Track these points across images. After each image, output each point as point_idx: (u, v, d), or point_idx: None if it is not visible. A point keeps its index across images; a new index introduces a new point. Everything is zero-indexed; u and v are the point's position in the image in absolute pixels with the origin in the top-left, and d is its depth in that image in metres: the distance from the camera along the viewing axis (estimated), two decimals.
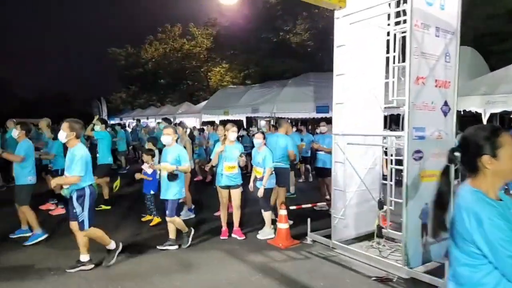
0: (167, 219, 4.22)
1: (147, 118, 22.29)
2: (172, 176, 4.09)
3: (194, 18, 29.61)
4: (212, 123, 11.02)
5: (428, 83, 3.39)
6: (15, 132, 4.68)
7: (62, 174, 6.32)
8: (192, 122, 19.00)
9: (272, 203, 4.99)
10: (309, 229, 4.36)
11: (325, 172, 6.00)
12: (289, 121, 8.95)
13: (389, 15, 4.01)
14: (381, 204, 3.96)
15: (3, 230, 5.07)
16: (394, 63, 3.68)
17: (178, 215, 4.57)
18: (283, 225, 4.29)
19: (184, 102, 21.57)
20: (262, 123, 18.65)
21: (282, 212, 4.36)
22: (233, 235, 4.61)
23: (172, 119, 19.47)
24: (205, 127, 12.41)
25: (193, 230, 4.43)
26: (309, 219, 4.40)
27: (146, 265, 3.82)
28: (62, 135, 3.56)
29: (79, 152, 3.52)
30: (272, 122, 17.01)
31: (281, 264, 3.78)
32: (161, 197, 4.23)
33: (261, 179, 4.63)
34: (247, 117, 17.66)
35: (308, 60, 19.01)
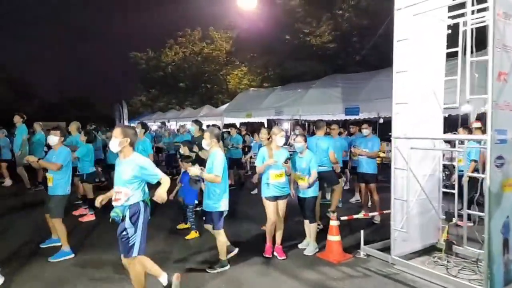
0: (214, 232, 3.83)
1: (168, 121, 22.33)
2: (194, 182, 3.75)
3: (214, 22, 29.58)
4: (233, 125, 10.74)
5: (510, 79, 2.98)
6: (54, 139, 4.34)
7: (88, 179, 6.17)
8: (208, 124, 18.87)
9: (317, 212, 4.64)
10: (362, 242, 3.97)
11: (368, 178, 5.63)
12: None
13: (452, 6, 3.63)
14: (449, 215, 3.56)
15: (31, 237, 4.90)
16: (465, 57, 3.27)
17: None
18: (335, 238, 3.92)
19: (205, 105, 21.48)
20: (285, 125, 18.35)
21: (333, 222, 3.98)
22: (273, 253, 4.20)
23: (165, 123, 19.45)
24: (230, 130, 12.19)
25: (237, 250, 4.03)
26: (362, 231, 4.00)
27: (193, 285, 3.45)
28: (115, 143, 3.05)
29: (140, 162, 3.05)
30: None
31: (339, 283, 3.41)
32: (204, 208, 3.90)
33: (305, 186, 4.28)
34: (268, 120, 17.37)
35: (330, 62, 18.58)
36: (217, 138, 3.84)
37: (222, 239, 3.81)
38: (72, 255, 4.28)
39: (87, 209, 6.02)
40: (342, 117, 12.11)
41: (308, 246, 4.29)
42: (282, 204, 4.19)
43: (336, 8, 16.67)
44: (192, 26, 30.09)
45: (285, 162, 4.07)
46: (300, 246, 4.45)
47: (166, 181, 3.06)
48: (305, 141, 4.40)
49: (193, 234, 4.93)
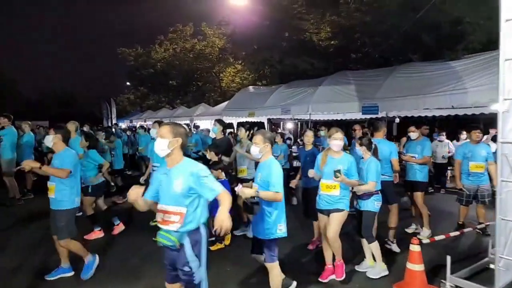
0: (267, 265, 3.08)
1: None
2: (251, 207, 2.99)
3: (206, 18, 28.66)
4: (242, 125, 10.03)
5: None
6: (49, 139, 3.58)
7: (95, 192, 5.24)
8: (207, 124, 18.06)
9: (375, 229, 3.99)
10: (448, 271, 3.26)
11: (417, 187, 5.03)
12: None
13: None
14: None
15: (30, 266, 4.06)
16: None
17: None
18: (418, 266, 3.22)
19: (201, 104, 20.63)
20: (289, 125, 17.68)
21: (415, 247, 3.28)
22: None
23: (189, 122, 18.58)
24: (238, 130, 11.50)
25: (295, 284, 3.36)
26: (449, 257, 3.26)
27: None
28: (162, 145, 2.38)
29: (195, 168, 2.41)
30: (308, 125, 16.06)
31: None
32: (253, 233, 3.19)
33: (363, 197, 3.64)
34: (269, 119, 16.71)
35: (332, 59, 18.07)
36: (271, 142, 3.13)
37: (276, 272, 3.07)
38: (72, 273, 3.73)
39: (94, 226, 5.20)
40: (355, 115, 11.61)
41: (373, 268, 3.65)
42: (334, 217, 3.53)
43: (340, 4, 16.09)
44: (183, 22, 29.12)
45: (335, 176, 3.37)
46: (357, 268, 3.81)
47: (227, 198, 2.33)
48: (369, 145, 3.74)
49: (218, 245, 4.41)
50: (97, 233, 5.14)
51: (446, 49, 12.58)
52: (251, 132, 5.95)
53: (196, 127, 14.51)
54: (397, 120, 10.58)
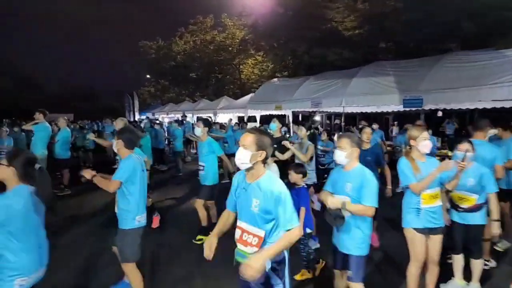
0: (352, 285, 2.70)
1: (183, 113, 21.15)
2: (334, 219, 2.62)
3: (227, 9, 28.25)
4: (301, 123, 9.62)
5: None
6: (114, 144, 3.10)
7: None
8: (228, 118, 17.70)
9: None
10: None
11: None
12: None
13: None
14: None
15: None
16: None
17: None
18: None
19: (223, 97, 20.28)
20: (317, 118, 17.13)
21: None
22: None
23: (212, 115, 18.27)
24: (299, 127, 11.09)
25: None
26: None
27: None
28: (244, 157, 2.05)
29: (280, 190, 2.06)
30: (337, 120, 15.47)
31: None
32: (339, 249, 2.77)
33: (472, 209, 3.12)
34: (293, 112, 16.18)
35: (361, 49, 17.32)
36: (358, 146, 2.70)
37: None
38: None
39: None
40: (392, 108, 10.99)
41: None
42: (436, 240, 3.00)
43: None
44: (204, 14, 28.74)
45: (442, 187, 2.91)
46: (443, 287, 3.33)
47: (291, 240, 2.01)
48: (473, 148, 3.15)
49: (306, 275, 3.69)
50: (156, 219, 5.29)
51: (494, 37, 11.66)
52: (311, 131, 5.50)
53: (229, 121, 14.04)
54: (440, 113, 9.89)
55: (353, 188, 2.65)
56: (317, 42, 16.78)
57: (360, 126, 8.87)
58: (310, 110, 13.38)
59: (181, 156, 9.88)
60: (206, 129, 5.02)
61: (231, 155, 8.96)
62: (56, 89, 56.04)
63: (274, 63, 23.21)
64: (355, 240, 2.64)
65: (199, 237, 4.87)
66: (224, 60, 27.62)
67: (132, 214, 3.03)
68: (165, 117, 24.36)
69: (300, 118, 16.61)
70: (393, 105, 9.64)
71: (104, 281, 3.67)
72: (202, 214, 4.90)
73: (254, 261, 1.86)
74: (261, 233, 2.03)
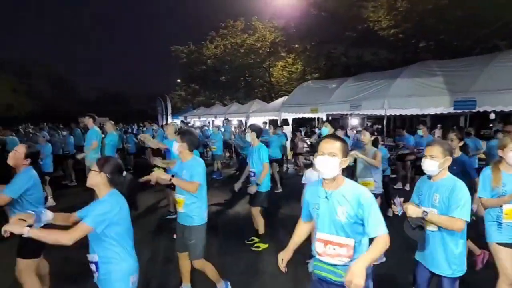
0: None
1: (215, 117, 21.31)
2: (414, 230, 2.40)
3: (257, 12, 28.27)
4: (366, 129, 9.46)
5: None
6: (175, 146, 3.15)
7: None
8: (257, 121, 17.57)
9: None
10: None
11: None
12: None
13: None
14: None
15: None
16: None
17: None
18: None
19: (255, 100, 20.22)
20: (353, 121, 16.71)
21: None
22: None
23: (245, 119, 18.24)
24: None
25: None
26: None
27: None
28: (331, 165, 1.98)
29: (366, 195, 2.01)
30: (366, 123, 14.98)
31: None
32: (430, 268, 2.52)
33: None
34: (328, 115, 15.83)
35: (400, 49, 16.70)
36: (451, 155, 2.47)
37: None
38: None
39: None
40: (439, 110, 10.43)
41: None
42: None
43: None
44: (234, 17, 28.89)
45: None
46: None
47: (383, 246, 1.90)
48: None
49: None
50: None
51: None
52: (375, 136, 5.23)
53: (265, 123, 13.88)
54: (493, 116, 9.27)
55: (441, 200, 2.41)
56: (353, 42, 16.32)
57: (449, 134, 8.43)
58: (349, 112, 13.01)
59: (220, 160, 9.84)
60: (255, 134, 4.91)
61: (274, 161, 8.83)
62: (91, 94, 58.54)
63: (306, 65, 22.88)
64: (451, 259, 2.38)
65: (258, 244, 4.84)
66: (254, 63, 27.58)
67: (203, 210, 3.23)
68: (196, 121, 24.68)
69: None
70: (442, 107, 9.14)
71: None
72: (260, 220, 4.84)
73: (357, 269, 1.77)
74: (351, 242, 1.94)
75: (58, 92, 47.54)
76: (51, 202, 6.87)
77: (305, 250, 2.54)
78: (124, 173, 2.37)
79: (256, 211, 4.83)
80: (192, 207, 3.17)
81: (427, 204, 2.49)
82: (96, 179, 2.25)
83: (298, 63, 25.64)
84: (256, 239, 4.94)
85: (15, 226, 1.94)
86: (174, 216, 5.37)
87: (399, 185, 9.42)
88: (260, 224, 4.87)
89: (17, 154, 3.00)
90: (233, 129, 14.44)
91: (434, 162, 2.44)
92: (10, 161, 3.01)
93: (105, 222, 2.08)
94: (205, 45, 29.46)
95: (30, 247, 2.88)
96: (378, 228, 1.90)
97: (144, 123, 15.69)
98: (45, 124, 15.24)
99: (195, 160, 3.20)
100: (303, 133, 13.83)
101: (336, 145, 1.99)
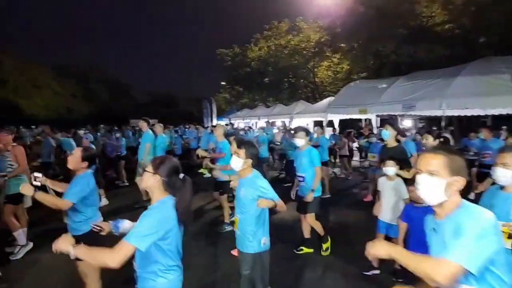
0: None
1: (259, 119, 21.31)
2: None
3: (301, 13, 27.90)
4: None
5: None
6: (238, 162, 2.86)
7: None
8: (302, 122, 17.17)
9: None
10: None
11: None
12: None
13: None
14: None
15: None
16: None
17: None
18: None
19: (299, 101, 19.90)
20: (406, 123, 15.77)
21: None
22: None
23: (289, 120, 17.99)
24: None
25: None
26: None
27: None
28: (435, 187, 1.52)
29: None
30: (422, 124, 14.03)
31: None
32: None
33: None
34: (378, 116, 15.06)
35: (457, 45, 15.43)
36: None
37: None
38: None
39: None
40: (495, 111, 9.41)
41: None
42: None
43: None
44: (279, 18, 28.82)
45: None
46: None
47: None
48: None
49: None
50: None
51: None
52: (440, 139, 4.80)
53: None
54: None
55: None
56: (404, 39, 15.38)
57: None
58: (401, 113, 12.23)
59: (266, 162, 9.71)
60: (308, 137, 4.72)
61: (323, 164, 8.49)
62: (142, 96, 61.79)
63: (353, 64, 22.08)
64: None
65: (325, 246, 4.65)
66: (298, 64, 27.23)
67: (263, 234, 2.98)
68: (240, 122, 24.88)
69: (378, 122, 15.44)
70: (510, 107, 8.23)
71: None
72: (316, 225, 4.64)
73: (384, 247, 1.57)
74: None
75: (113, 95, 50.82)
76: (104, 201, 7.20)
77: None
78: (181, 175, 2.11)
79: (311, 218, 4.62)
80: (258, 230, 2.88)
81: (504, 219, 2.14)
82: (150, 181, 2.03)
83: (344, 63, 24.87)
84: (305, 248, 4.76)
85: (63, 244, 1.85)
86: (230, 229, 5.36)
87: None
88: (318, 228, 4.67)
89: (74, 158, 3.08)
90: (276, 130, 14.23)
91: (509, 172, 2.11)
92: (70, 165, 3.10)
93: (151, 240, 1.85)
94: (249, 48, 29.68)
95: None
96: (457, 255, 1.36)
97: (189, 125, 16.09)
98: (101, 126, 16.17)
99: (258, 177, 2.88)
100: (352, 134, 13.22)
101: (437, 161, 1.53)
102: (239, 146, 2.88)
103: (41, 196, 2.83)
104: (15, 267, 4.50)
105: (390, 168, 3.87)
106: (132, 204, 7.18)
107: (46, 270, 4.38)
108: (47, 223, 5.90)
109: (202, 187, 8.56)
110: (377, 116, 14.90)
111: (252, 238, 2.84)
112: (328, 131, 14.41)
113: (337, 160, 12.96)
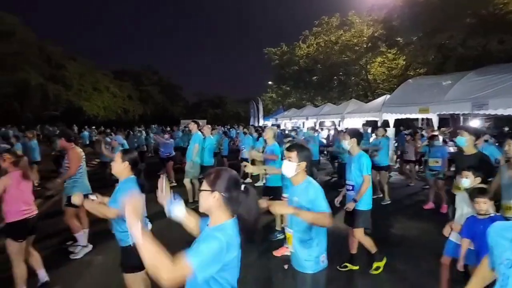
0: None
1: (307, 119, 20.72)
2: None
3: (355, 6, 26.64)
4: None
5: None
6: (291, 167, 2.47)
7: None
8: (354, 123, 16.25)
9: None
10: None
11: None
12: None
13: None
14: None
15: None
16: None
17: None
18: None
19: (351, 100, 18.96)
20: (474, 122, 14.30)
21: None
22: None
23: (339, 120, 17.19)
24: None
25: None
26: None
27: None
28: None
29: None
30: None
31: None
32: None
33: None
34: (438, 115, 13.74)
35: None
36: None
37: None
38: None
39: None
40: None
41: None
42: None
43: None
44: (329, 14, 27.82)
45: None
46: None
47: None
48: None
49: None
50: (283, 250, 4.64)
51: None
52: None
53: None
54: None
55: None
56: (474, 30, 13.81)
57: None
58: (468, 112, 10.98)
59: (315, 164, 9.21)
60: (355, 140, 4.10)
61: (384, 168, 7.83)
62: (192, 96, 63.94)
63: (411, 59, 20.53)
64: None
65: (376, 264, 4.20)
66: (349, 60, 26.03)
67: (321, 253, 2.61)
68: (287, 123, 24.44)
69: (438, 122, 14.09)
70: None
71: None
72: (366, 241, 4.14)
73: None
74: None
75: (166, 97, 53.16)
76: None
77: None
78: (243, 186, 1.72)
79: (359, 233, 4.11)
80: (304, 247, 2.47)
81: None
82: (209, 201, 1.66)
83: (400, 58, 23.24)
84: (350, 265, 4.29)
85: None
86: (282, 236, 5.03)
87: None
88: (368, 244, 4.15)
89: (115, 163, 2.95)
90: (325, 131, 13.57)
91: None
92: (113, 170, 2.98)
93: (211, 271, 1.53)
94: (297, 45, 29.05)
95: (132, 261, 2.77)
96: None
97: (237, 125, 16.04)
98: (153, 126, 16.78)
99: (312, 184, 2.46)
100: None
101: None
102: (290, 149, 2.54)
103: (89, 205, 2.77)
104: (71, 268, 4.58)
105: (466, 180, 3.24)
106: None
107: (99, 272, 4.40)
108: (98, 224, 6.01)
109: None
110: (438, 115, 13.63)
111: (309, 255, 2.46)
112: (390, 133, 13.45)
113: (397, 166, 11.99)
